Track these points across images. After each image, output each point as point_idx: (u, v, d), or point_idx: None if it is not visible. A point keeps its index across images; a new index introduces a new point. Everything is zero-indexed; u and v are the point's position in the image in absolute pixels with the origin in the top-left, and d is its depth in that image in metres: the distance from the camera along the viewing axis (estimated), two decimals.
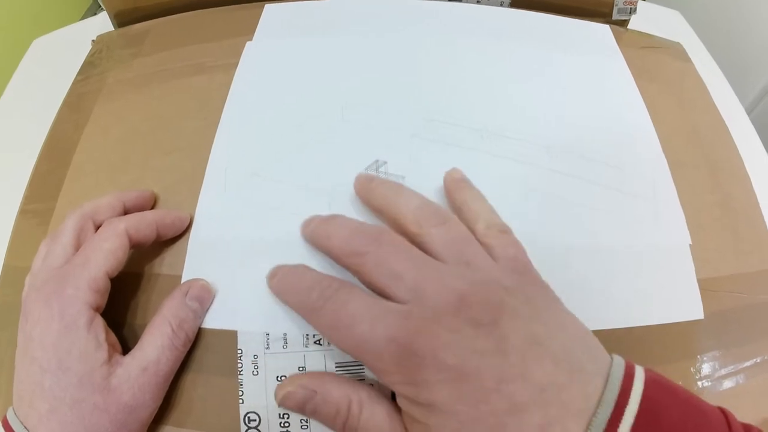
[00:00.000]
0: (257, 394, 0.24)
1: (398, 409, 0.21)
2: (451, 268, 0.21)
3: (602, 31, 0.39)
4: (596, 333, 0.26)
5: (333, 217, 0.24)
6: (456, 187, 0.27)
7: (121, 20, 0.40)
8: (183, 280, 0.26)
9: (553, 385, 0.19)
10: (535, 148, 0.31)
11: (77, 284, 0.23)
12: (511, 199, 0.29)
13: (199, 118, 0.31)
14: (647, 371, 0.20)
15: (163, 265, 0.27)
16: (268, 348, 0.24)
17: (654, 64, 0.38)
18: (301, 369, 0.24)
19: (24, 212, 0.31)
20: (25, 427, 0.22)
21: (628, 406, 0.18)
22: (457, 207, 0.26)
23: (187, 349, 0.25)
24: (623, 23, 0.42)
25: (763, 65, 0.59)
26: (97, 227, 0.26)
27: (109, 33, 0.40)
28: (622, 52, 0.38)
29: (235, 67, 0.33)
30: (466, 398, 0.19)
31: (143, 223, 0.26)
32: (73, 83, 0.36)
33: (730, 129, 0.36)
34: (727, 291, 0.29)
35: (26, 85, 0.45)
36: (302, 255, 0.26)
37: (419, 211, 0.24)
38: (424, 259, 0.22)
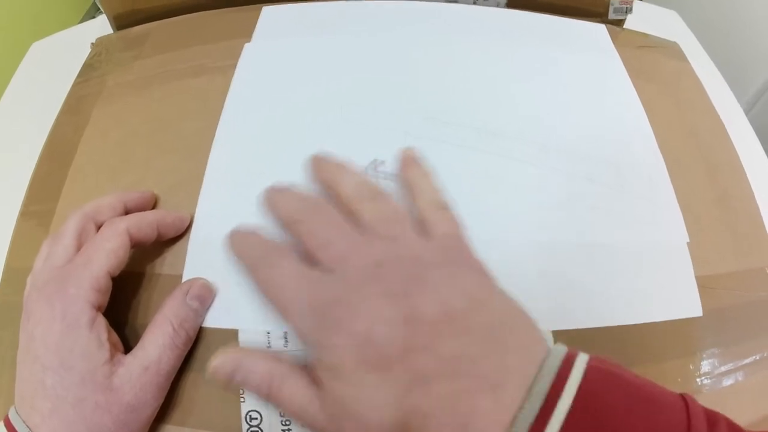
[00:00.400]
0: None
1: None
2: (375, 241, 0.22)
3: (598, 30, 0.39)
4: (594, 331, 0.26)
5: (284, 188, 0.25)
6: (406, 164, 0.28)
7: (120, 23, 0.41)
8: (184, 279, 0.26)
9: (464, 357, 0.19)
10: (533, 147, 0.31)
11: (79, 283, 0.23)
12: (508, 197, 0.29)
13: (198, 120, 0.31)
14: (593, 359, 0.20)
15: (164, 264, 0.27)
16: (269, 346, 0.25)
17: (651, 63, 0.39)
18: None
19: (25, 214, 0.31)
20: (28, 426, 0.22)
21: (562, 395, 0.18)
22: (405, 184, 0.27)
23: (188, 348, 0.25)
24: (619, 23, 0.42)
25: (760, 64, 0.59)
26: (99, 227, 0.26)
27: (108, 36, 0.40)
28: (618, 51, 0.38)
29: (233, 69, 0.33)
30: (370, 364, 0.19)
31: (144, 223, 0.26)
32: (72, 86, 0.37)
33: (727, 128, 0.36)
34: (726, 288, 0.29)
35: (26, 88, 0.45)
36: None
37: (357, 187, 0.25)
38: (352, 232, 0.23)
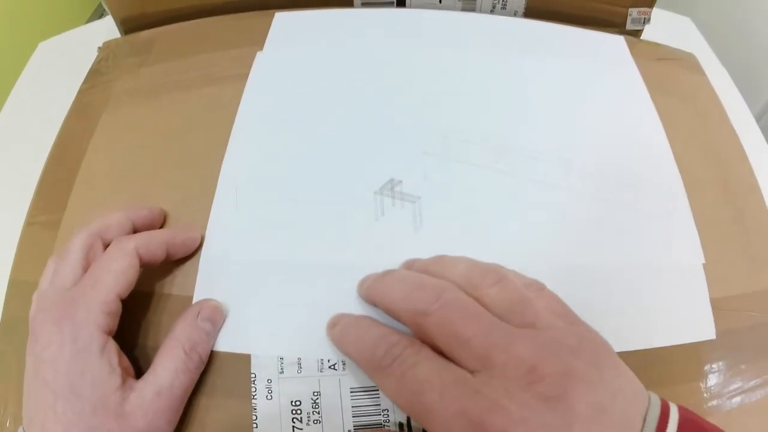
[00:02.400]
0: (271, 418, 0.24)
1: None
2: (516, 331, 0.20)
3: (617, 42, 0.38)
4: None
5: (389, 273, 0.24)
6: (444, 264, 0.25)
7: (128, 26, 0.40)
8: (194, 300, 0.26)
9: None
10: (551, 166, 0.30)
11: (88, 307, 0.23)
12: (526, 217, 0.28)
13: (208, 131, 0.31)
14: (681, 410, 0.20)
15: (174, 285, 0.27)
16: (282, 372, 0.24)
17: (668, 77, 0.38)
18: (315, 394, 0.24)
19: (31, 224, 0.31)
20: None
21: None
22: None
23: (201, 371, 0.24)
24: (637, 33, 0.42)
25: None
26: (106, 245, 0.25)
27: (115, 40, 0.39)
28: (636, 63, 0.37)
29: (244, 78, 0.33)
30: None
31: (153, 243, 0.25)
32: (79, 91, 0.36)
33: (741, 140, 0.36)
34: (739, 310, 0.29)
35: (32, 89, 0.44)
36: (316, 275, 0.26)
37: (470, 272, 0.23)
38: (491, 322, 0.21)
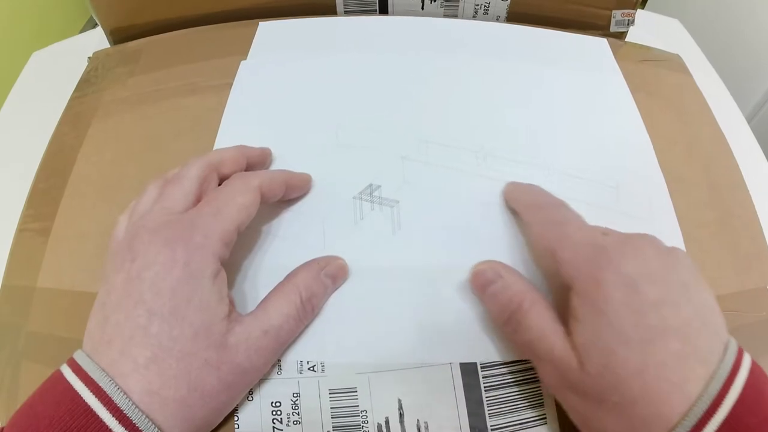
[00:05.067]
0: (252, 419, 0.24)
1: (562, 322, 0.22)
2: None
3: (600, 45, 0.39)
4: None
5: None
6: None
7: (117, 37, 0.40)
8: None
9: (692, 325, 0.20)
10: (532, 170, 0.30)
11: (207, 233, 0.22)
12: (505, 221, 0.28)
13: (193, 140, 0.31)
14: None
15: None
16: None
17: (652, 78, 0.38)
18: (295, 395, 0.24)
19: (23, 231, 0.31)
20: (109, 375, 0.19)
21: (736, 378, 0.19)
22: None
23: (308, 323, 0.24)
24: (621, 35, 0.42)
25: (763, 71, 0.58)
26: (221, 180, 0.25)
27: (105, 50, 0.40)
28: (619, 66, 0.37)
29: (227, 88, 0.33)
30: (631, 305, 0.20)
31: (275, 182, 0.25)
32: (69, 100, 0.37)
33: (730, 140, 0.36)
34: (726, 310, 0.29)
35: (25, 99, 0.45)
36: None
37: None
38: None
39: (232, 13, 0.39)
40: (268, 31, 0.37)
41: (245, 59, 0.35)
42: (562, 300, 0.23)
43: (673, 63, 0.40)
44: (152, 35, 0.39)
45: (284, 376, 0.24)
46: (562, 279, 0.22)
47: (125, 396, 0.19)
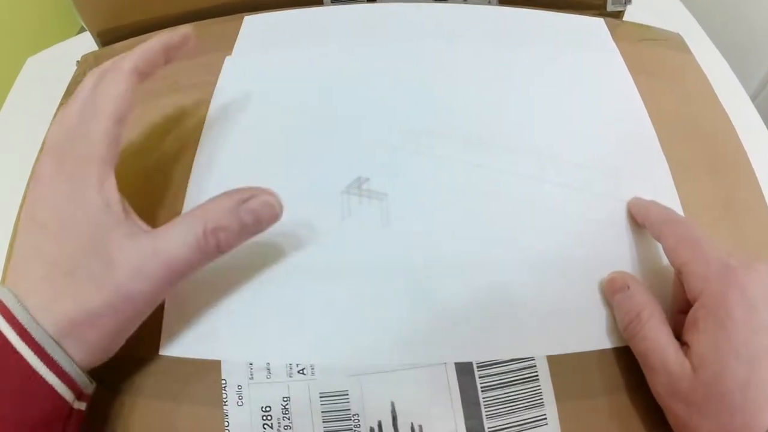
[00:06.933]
0: (243, 424, 0.23)
1: (676, 340, 0.23)
2: None
3: (596, 25, 0.37)
4: (596, 351, 0.25)
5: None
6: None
7: (105, 39, 0.40)
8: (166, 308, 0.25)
9: None
10: (526, 157, 0.29)
11: (89, 139, 0.21)
12: (500, 211, 0.28)
13: (177, 139, 0.31)
14: None
15: None
16: (251, 378, 0.24)
17: (652, 58, 0.37)
18: (285, 399, 0.23)
19: None
20: (13, 293, 0.20)
21: None
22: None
23: (213, 259, 0.22)
24: (618, 15, 0.41)
25: (767, 48, 0.56)
26: None
27: (93, 53, 0.40)
28: (618, 46, 0.36)
29: (210, 85, 0.33)
30: (748, 324, 0.21)
31: (150, 52, 0.24)
32: (59, 105, 0.36)
33: (734, 119, 0.35)
34: None
35: (21, 105, 0.45)
36: (284, 278, 0.26)
37: None
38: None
39: (219, 8, 0.39)
40: (253, 24, 0.36)
41: (230, 55, 0.34)
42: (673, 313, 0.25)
43: (674, 42, 0.39)
44: (141, 35, 0.38)
45: (273, 379, 0.24)
46: (686, 291, 0.23)
47: (24, 310, 0.19)
